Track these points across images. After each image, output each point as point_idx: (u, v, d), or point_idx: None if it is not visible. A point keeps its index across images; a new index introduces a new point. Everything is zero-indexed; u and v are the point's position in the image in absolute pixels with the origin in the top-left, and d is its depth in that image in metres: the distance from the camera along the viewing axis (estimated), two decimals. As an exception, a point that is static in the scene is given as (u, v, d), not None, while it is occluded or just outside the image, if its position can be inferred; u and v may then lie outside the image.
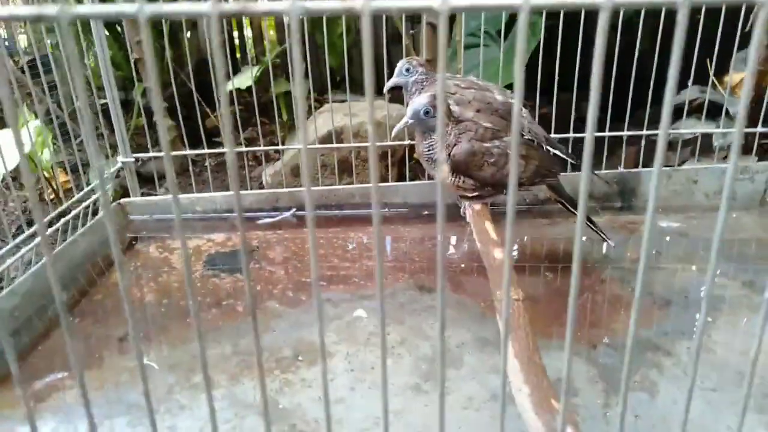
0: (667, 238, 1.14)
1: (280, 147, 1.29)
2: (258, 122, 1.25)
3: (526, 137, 0.96)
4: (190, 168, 1.26)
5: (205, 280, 1.04)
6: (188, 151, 1.27)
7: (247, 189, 1.33)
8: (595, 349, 0.81)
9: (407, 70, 1.05)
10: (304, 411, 0.72)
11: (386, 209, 1.24)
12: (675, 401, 0.71)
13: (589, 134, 0.30)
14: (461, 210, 0.94)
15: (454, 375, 0.77)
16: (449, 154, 0.87)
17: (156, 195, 1.27)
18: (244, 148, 1.29)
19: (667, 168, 1.24)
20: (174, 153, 1.27)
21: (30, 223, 0.98)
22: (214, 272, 1.06)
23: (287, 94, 1.55)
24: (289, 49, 1.29)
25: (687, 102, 1.28)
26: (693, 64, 1.13)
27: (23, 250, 0.93)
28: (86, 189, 1.11)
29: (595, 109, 0.29)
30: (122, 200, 1.22)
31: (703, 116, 1.28)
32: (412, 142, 1.20)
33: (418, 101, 0.87)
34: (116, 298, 0.98)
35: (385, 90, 1.11)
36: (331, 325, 0.89)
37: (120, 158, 1.21)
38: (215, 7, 0.29)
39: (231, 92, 1.33)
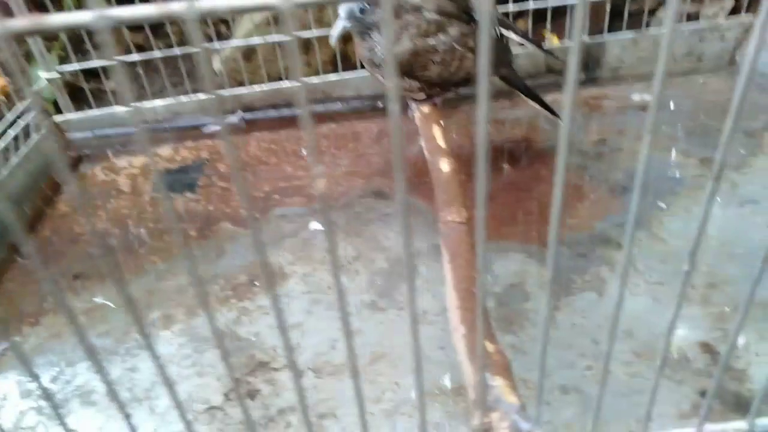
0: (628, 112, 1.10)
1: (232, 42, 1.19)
2: None
3: (474, 17, 0.87)
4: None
5: (155, 203, 1.01)
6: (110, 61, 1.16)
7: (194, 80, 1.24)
8: (545, 246, 0.81)
9: (362, 11, 0.78)
10: (263, 340, 0.73)
11: (339, 104, 1.17)
12: (626, 298, 0.73)
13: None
14: (408, 112, 0.88)
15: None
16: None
17: (92, 108, 1.18)
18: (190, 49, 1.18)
19: (630, 32, 1.17)
20: (82, 65, 1.16)
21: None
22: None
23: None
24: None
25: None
26: None
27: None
28: (20, 107, 1.03)
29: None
30: (55, 117, 1.14)
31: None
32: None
33: (352, -5, 0.77)
34: (66, 233, 0.95)
35: (333, 42, 0.88)
36: (285, 243, 0.88)
37: (42, 74, 1.11)
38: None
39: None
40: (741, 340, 0.65)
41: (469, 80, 0.84)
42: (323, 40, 1.18)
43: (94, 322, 0.78)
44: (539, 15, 1.15)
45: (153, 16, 0.23)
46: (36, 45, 1.08)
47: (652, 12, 1.32)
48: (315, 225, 0.90)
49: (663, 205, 0.86)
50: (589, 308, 0.72)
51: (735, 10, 1.19)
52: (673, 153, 0.96)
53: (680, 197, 0.87)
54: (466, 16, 0.84)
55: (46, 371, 0.71)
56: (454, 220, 0.63)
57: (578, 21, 0.24)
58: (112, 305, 0.81)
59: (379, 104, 1.17)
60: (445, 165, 0.73)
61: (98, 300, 0.82)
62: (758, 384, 0.61)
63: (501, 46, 0.88)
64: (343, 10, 0.76)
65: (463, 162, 0.76)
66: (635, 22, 1.18)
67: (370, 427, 0.61)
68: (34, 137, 1.07)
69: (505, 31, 0.91)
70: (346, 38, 1.49)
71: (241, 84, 1.20)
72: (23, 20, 0.23)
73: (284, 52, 1.27)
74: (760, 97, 1.04)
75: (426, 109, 0.84)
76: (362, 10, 0.76)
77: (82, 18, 0.23)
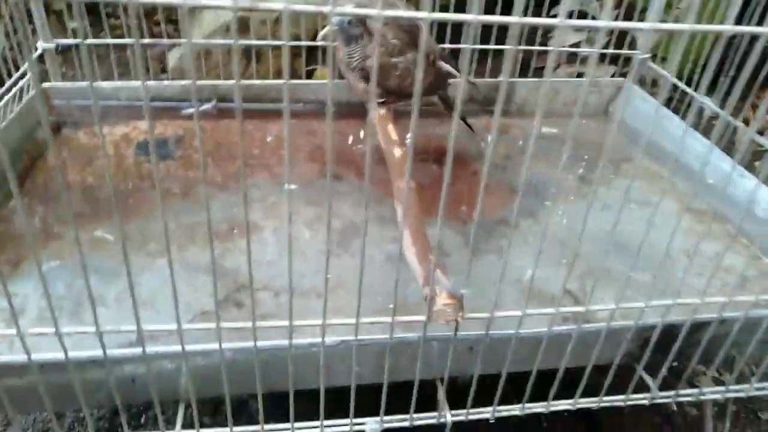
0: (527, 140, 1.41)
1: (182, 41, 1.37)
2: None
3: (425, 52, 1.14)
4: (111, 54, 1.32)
5: (138, 165, 1.17)
6: (106, 40, 1.32)
7: (148, 71, 1.42)
8: (464, 224, 1.08)
9: (349, 23, 1.09)
10: (244, 270, 0.92)
11: (300, 104, 1.39)
12: (515, 259, 1.00)
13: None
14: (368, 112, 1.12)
15: (359, 242, 1.00)
16: (362, 66, 1.04)
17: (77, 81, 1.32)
18: (146, 40, 1.35)
19: (535, 80, 1.49)
20: (90, 42, 1.31)
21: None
22: (146, 158, 1.18)
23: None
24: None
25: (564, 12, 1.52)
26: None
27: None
28: (16, 75, 1.15)
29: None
30: (44, 84, 1.27)
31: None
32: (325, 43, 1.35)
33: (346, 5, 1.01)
34: (59, 181, 1.09)
35: (319, 39, 1.18)
36: (257, 205, 1.08)
37: (40, 44, 1.24)
38: None
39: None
40: (588, 289, 0.94)
41: (416, 93, 1.10)
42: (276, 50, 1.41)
43: (97, 250, 0.93)
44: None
45: None
46: (39, 17, 1.22)
47: (556, 68, 1.68)
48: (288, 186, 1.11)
49: (548, 203, 1.15)
50: (491, 265, 0.98)
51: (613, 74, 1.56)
52: (558, 170, 1.27)
53: (560, 199, 1.17)
54: (416, 47, 1.10)
55: (61, 280, 0.86)
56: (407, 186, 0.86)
57: (507, 65, 0.48)
58: (110, 237, 0.97)
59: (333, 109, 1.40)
60: (397, 151, 0.97)
61: (98, 234, 0.97)
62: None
63: (441, 74, 1.15)
64: (335, 19, 0.99)
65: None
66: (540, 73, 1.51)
67: (334, 330, 0.83)
68: (26, 97, 1.20)
69: (442, 64, 1.18)
70: (295, 53, 1.73)
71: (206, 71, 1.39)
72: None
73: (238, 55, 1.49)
74: (622, 138, 1.39)
75: (383, 111, 1.08)
76: (350, 23, 1.00)
77: None
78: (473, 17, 0.46)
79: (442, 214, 0.57)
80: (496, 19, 0.50)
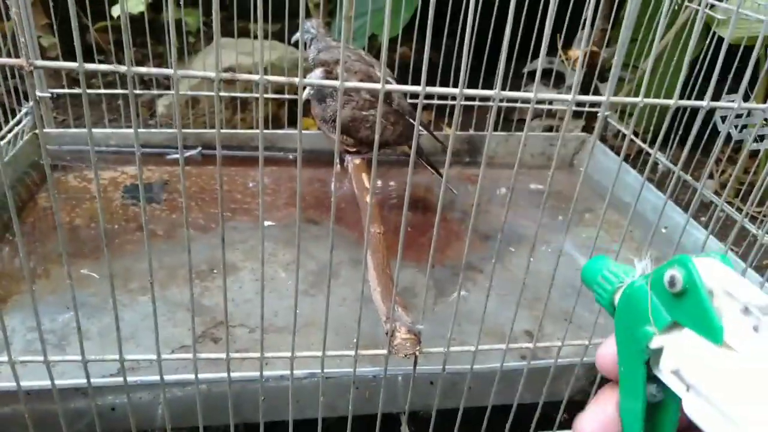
0: (503, 190, 1.50)
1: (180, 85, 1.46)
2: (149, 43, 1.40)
3: (394, 107, 1.23)
4: (104, 104, 1.39)
5: (125, 208, 1.22)
6: (101, 90, 1.40)
7: (138, 116, 1.49)
8: (433, 267, 1.14)
9: (307, 30, 1.29)
10: (222, 308, 0.97)
11: (282, 153, 1.47)
12: (479, 302, 1.06)
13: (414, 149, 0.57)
14: (344, 162, 1.21)
15: (334, 283, 1.06)
16: (334, 118, 1.12)
17: (71, 128, 1.39)
18: (149, 91, 1.43)
19: (504, 133, 1.59)
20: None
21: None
22: (132, 201, 1.24)
23: (178, 22, 1.63)
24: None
25: (539, 68, 1.63)
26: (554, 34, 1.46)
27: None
28: (12, 122, 1.22)
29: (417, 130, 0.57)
30: (37, 130, 1.33)
31: (551, 83, 1.65)
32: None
33: (315, 73, 1.10)
34: (48, 221, 1.14)
35: (291, 41, 1.36)
36: (238, 247, 1.14)
37: (37, 92, 1.32)
38: None
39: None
40: (548, 330, 1.00)
41: (388, 144, 1.18)
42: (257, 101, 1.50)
43: (83, 287, 0.98)
44: (441, 109, 1.55)
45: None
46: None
47: (521, 120, 1.78)
48: (268, 222, 1.18)
49: (512, 249, 1.22)
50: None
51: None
52: (523, 218, 1.35)
53: (523, 246, 1.24)
54: (388, 101, 1.20)
55: (46, 315, 0.91)
56: (375, 231, 0.93)
57: (455, 118, 0.56)
58: (96, 276, 1.02)
59: (290, 156, 1.48)
60: (368, 198, 1.04)
61: (84, 271, 1.02)
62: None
63: (410, 127, 1.24)
64: (307, 89, 1.08)
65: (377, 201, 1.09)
66: (510, 126, 1.61)
67: (306, 365, 0.87)
68: (20, 143, 1.26)
69: (413, 120, 1.28)
70: (279, 105, 1.82)
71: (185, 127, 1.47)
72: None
73: (225, 105, 1.57)
74: (585, 189, 1.48)
75: (357, 160, 1.16)
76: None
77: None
78: (420, 88, 0.54)
79: (404, 257, 0.64)
80: (438, 90, 0.58)
